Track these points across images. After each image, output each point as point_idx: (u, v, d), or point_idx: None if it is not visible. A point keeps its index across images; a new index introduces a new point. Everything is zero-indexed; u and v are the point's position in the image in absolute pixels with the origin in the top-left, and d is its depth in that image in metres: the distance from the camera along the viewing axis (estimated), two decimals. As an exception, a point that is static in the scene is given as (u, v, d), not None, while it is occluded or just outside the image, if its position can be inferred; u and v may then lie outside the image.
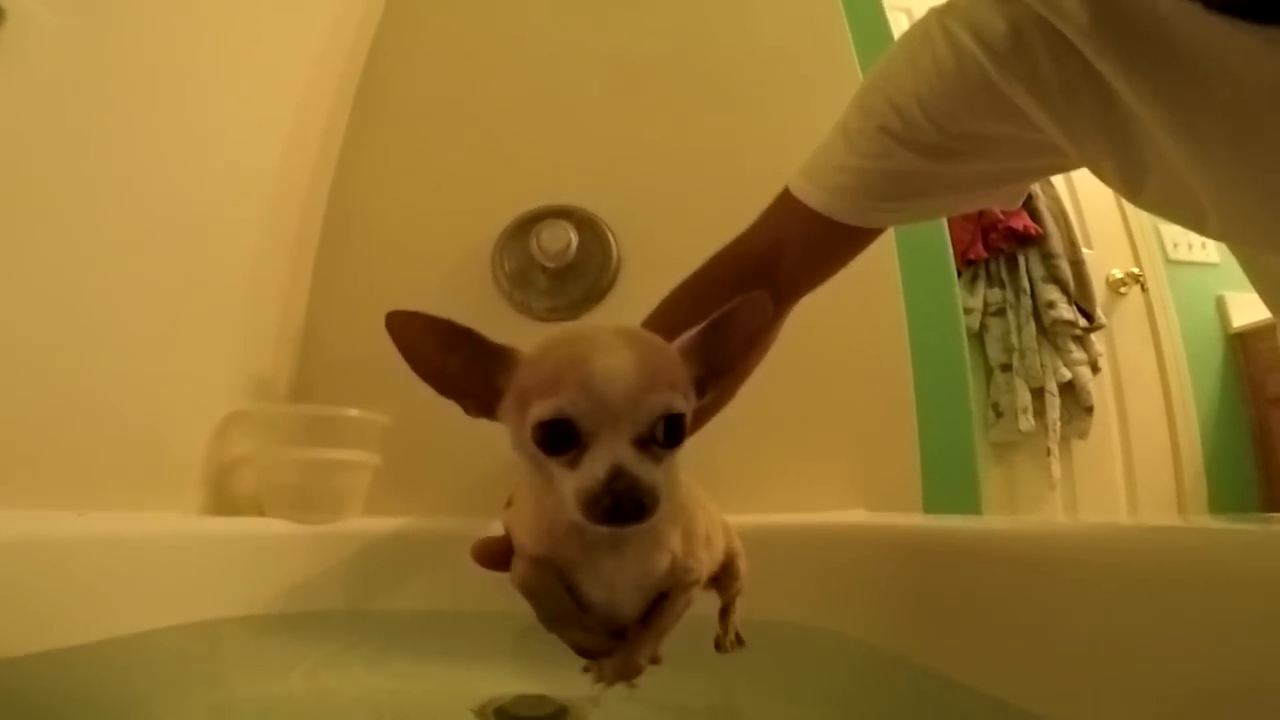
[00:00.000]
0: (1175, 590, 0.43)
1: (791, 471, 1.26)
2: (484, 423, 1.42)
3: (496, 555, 0.47)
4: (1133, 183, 0.53)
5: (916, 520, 1.06)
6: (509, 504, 0.54)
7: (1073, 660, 0.50)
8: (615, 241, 1.41)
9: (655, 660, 0.47)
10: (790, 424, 1.26)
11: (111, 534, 0.80)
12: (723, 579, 0.57)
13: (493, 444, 1.38)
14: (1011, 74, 0.53)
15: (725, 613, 0.60)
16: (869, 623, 0.80)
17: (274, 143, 1.29)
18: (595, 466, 0.37)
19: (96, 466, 0.89)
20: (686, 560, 0.46)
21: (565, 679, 0.48)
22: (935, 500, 1.27)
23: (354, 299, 1.42)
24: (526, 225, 1.41)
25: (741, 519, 1.04)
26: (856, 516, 1.16)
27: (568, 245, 1.37)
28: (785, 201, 0.70)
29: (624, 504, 0.36)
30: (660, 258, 1.37)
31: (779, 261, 0.70)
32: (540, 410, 0.37)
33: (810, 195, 0.67)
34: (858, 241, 0.71)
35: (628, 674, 0.44)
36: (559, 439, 0.37)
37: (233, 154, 1.17)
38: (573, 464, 0.37)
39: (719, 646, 0.60)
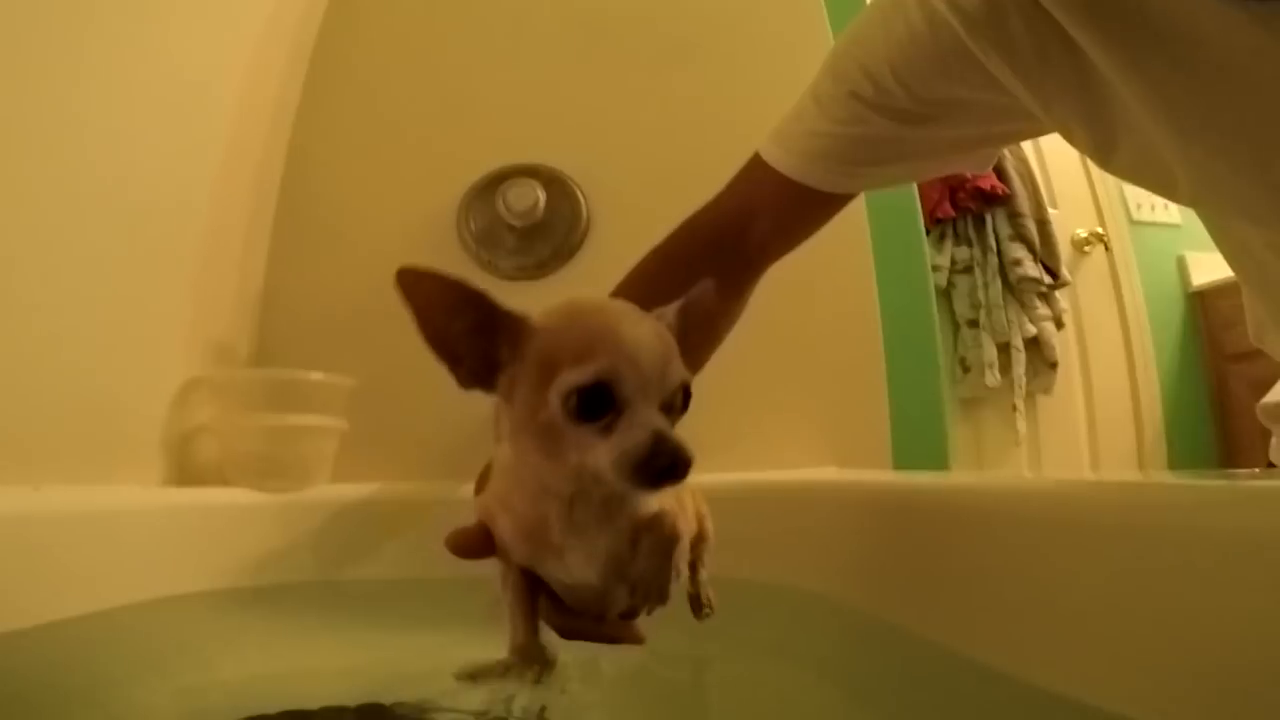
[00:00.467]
0: (1139, 545, 0.43)
1: (762, 429, 1.26)
2: (452, 386, 1.39)
3: (472, 546, 0.46)
4: (1104, 149, 0.53)
5: (886, 477, 1.07)
6: (479, 490, 0.53)
7: (1040, 616, 0.50)
8: (584, 200, 1.39)
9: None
10: (761, 382, 1.26)
11: (68, 508, 0.77)
12: (691, 541, 0.57)
13: (462, 406, 1.36)
14: (984, 39, 0.52)
15: (694, 569, 0.60)
16: (839, 581, 0.80)
17: (227, 101, 1.24)
18: (636, 431, 0.37)
19: (49, 438, 0.85)
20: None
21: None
22: (904, 456, 1.28)
23: (315, 260, 1.38)
24: (493, 184, 1.38)
25: (713, 478, 1.05)
26: (827, 474, 1.16)
27: (535, 204, 1.34)
28: (756, 167, 0.70)
29: (674, 465, 0.37)
30: (630, 216, 1.36)
31: (750, 227, 0.70)
32: (576, 376, 0.37)
33: (781, 161, 0.67)
34: (829, 207, 0.71)
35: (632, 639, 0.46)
36: (595, 405, 0.37)
37: (184, 113, 1.12)
38: (606, 431, 0.38)
39: (696, 609, 0.59)
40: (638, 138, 1.42)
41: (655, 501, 0.45)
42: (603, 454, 0.37)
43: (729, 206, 0.72)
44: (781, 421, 1.28)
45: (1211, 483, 0.51)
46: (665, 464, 0.37)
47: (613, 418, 0.38)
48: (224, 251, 1.27)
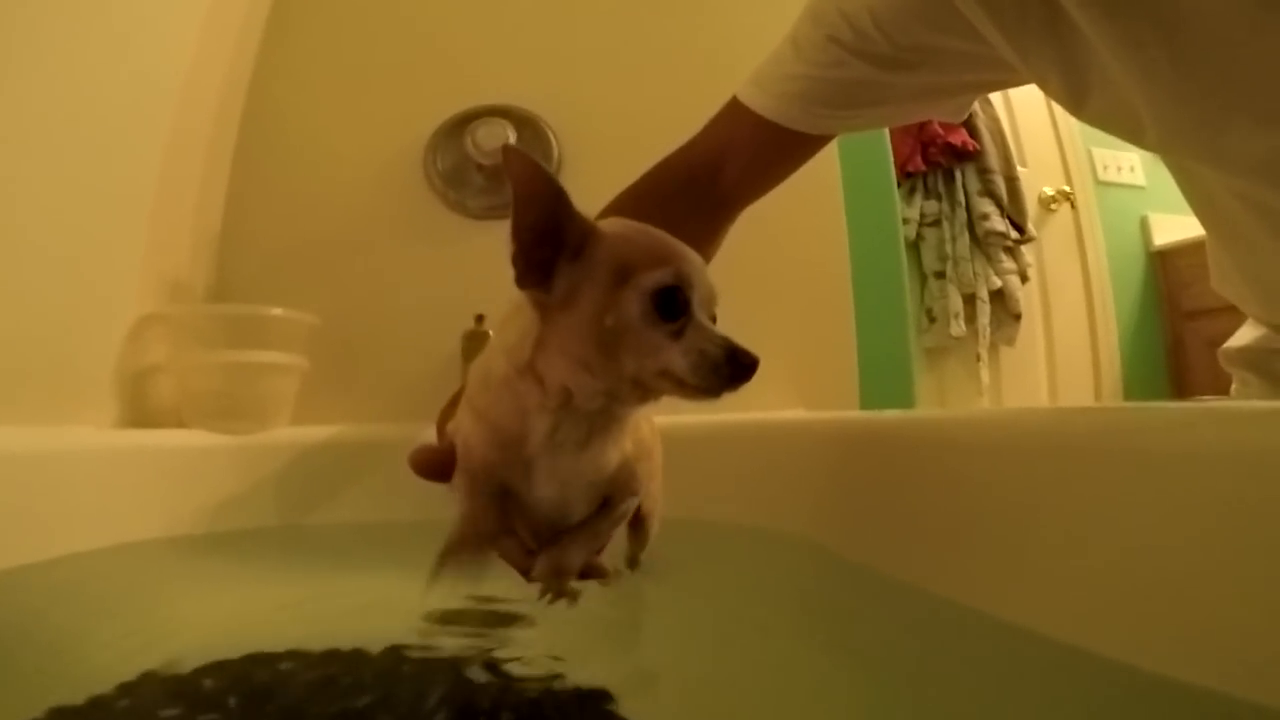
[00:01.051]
0: (1102, 467, 0.44)
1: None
2: (416, 321, 1.38)
3: (436, 465, 0.46)
4: (1077, 98, 0.54)
5: (853, 415, 1.08)
6: (448, 413, 0.52)
7: (1005, 548, 0.51)
8: (556, 140, 1.36)
9: (601, 574, 0.47)
10: (733, 326, 1.25)
11: (17, 450, 0.74)
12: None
13: (426, 346, 1.35)
14: None
15: (636, 524, 0.59)
16: (808, 519, 0.81)
17: (186, 35, 1.19)
18: (709, 334, 0.40)
19: (-5, 377, 0.82)
20: (634, 465, 0.47)
21: (509, 585, 0.47)
22: (871, 401, 1.30)
23: (276, 196, 1.35)
24: (461, 124, 1.35)
25: (682, 419, 1.05)
26: (796, 414, 1.17)
27: (506, 143, 1.30)
28: (733, 109, 0.70)
29: (743, 368, 0.39)
30: (602, 156, 1.33)
31: (724, 168, 0.71)
32: (658, 276, 0.39)
33: (759, 102, 0.67)
34: (804, 149, 0.71)
35: (560, 572, 0.45)
36: (673, 306, 0.39)
37: (140, 46, 1.06)
38: (678, 334, 0.40)
39: (632, 564, 0.60)
40: (610, 79, 1.39)
41: (623, 437, 0.46)
42: (676, 355, 0.39)
43: (704, 147, 0.72)
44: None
45: (1170, 405, 0.52)
46: (739, 365, 0.39)
47: (684, 323, 0.40)
48: (181, 186, 1.22)
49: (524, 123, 1.35)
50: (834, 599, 0.65)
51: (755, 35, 1.31)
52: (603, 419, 0.44)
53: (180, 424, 1.04)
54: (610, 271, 0.40)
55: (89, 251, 0.98)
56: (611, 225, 0.43)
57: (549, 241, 0.40)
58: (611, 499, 0.47)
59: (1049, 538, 0.47)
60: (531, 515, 0.45)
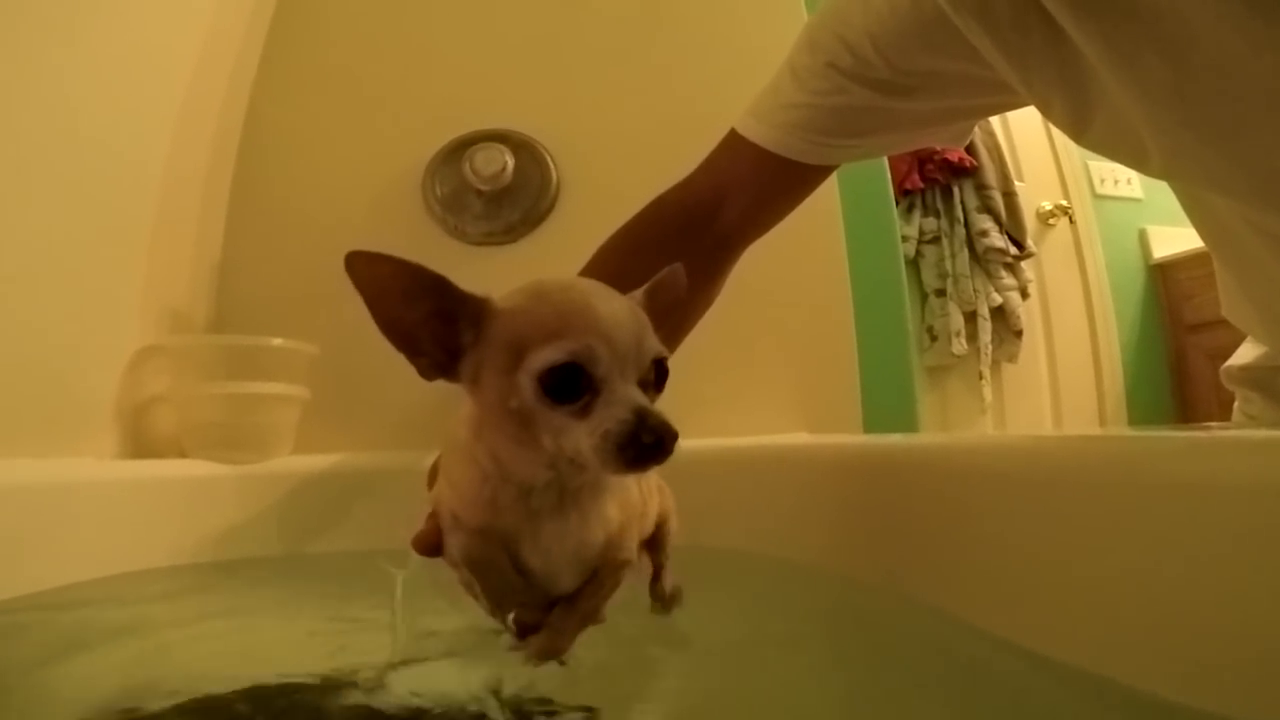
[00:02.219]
0: (1106, 496, 0.44)
1: (735, 396, 1.27)
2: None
3: (435, 543, 0.46)
4: (1080, 122, 0.53)
5: (857, 439, 1.08)
6: (431, 481, 0.52)
7: (1013, 572, 0.50)
8: (554, 165, 1.37)
9: (598, 621, 0.46)
10: (734, 349, 1.26)
11: (20, 483, 0.74)
12: (655, 541, 0.57)
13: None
14: (965, 9, 0.52)
15: (656, 577, 0.59)
16: (814, 546, 0.80)
17: (183, 66, 1.20)
18: (616, 410, 0.36)
19: (-3, 410, 0.82)
20: (620, 537, 0.45)
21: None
22: (875, 422, 1.30)
23: (275, 225, 1.35)
24: (459, 149, 1.35)
25: (685, 444, 1.04)
26: (799, 439, 1.17)
27: (503, 168, 1.32)
28: (731, 142, 0.69)
29: (659, 443, 0.35)
30: (601, 181, 1.35)
31: (723, 206, 0.69)
32: (548, 355, 0.36)
33: (759, 133, 0.66)
34: (807, 181, 0.70)
35: (553, 653, 0.43)
36: (570, 386, 0.36)
37: (137, 78, 1.07)
38: (583, 412, 0.36)
39: (657, 604, 0.59)
40: (608, 103, 1.40)
41: (607, 506, 0.44)
42: (582, 436, 0.36)
43: (702, 184, 0.71)
44: (754, 388, 1.29)
45: (1175, 434, 0.52)
46: (650, 442, 0.35)
47: (589, 398, 0.36)
48: (179, 217, 1.22)
49: (521, 147, 1.36)
50: (843, 624, 0.64)
51: (753, 59, 1.32)
52: (573, 487, 0.42)
53: (181, 454, 1.04)
54: (504, 352, 0.37)
55: (88, 283, 0.99)
56: (512, 296, 0.40)
57: (441, 329, 0.38)
58: (600, 570, 0.45)
59: (1060, 563, 0.47)
60: (521, 583, 0.44)
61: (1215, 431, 0.54)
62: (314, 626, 0.63)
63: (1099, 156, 0.63)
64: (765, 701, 0.47)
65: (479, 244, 1.35)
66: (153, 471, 0.96)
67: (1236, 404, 0.76)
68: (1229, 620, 0.36)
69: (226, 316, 1.29)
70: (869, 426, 1.29)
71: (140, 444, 1.05)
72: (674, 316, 0.48)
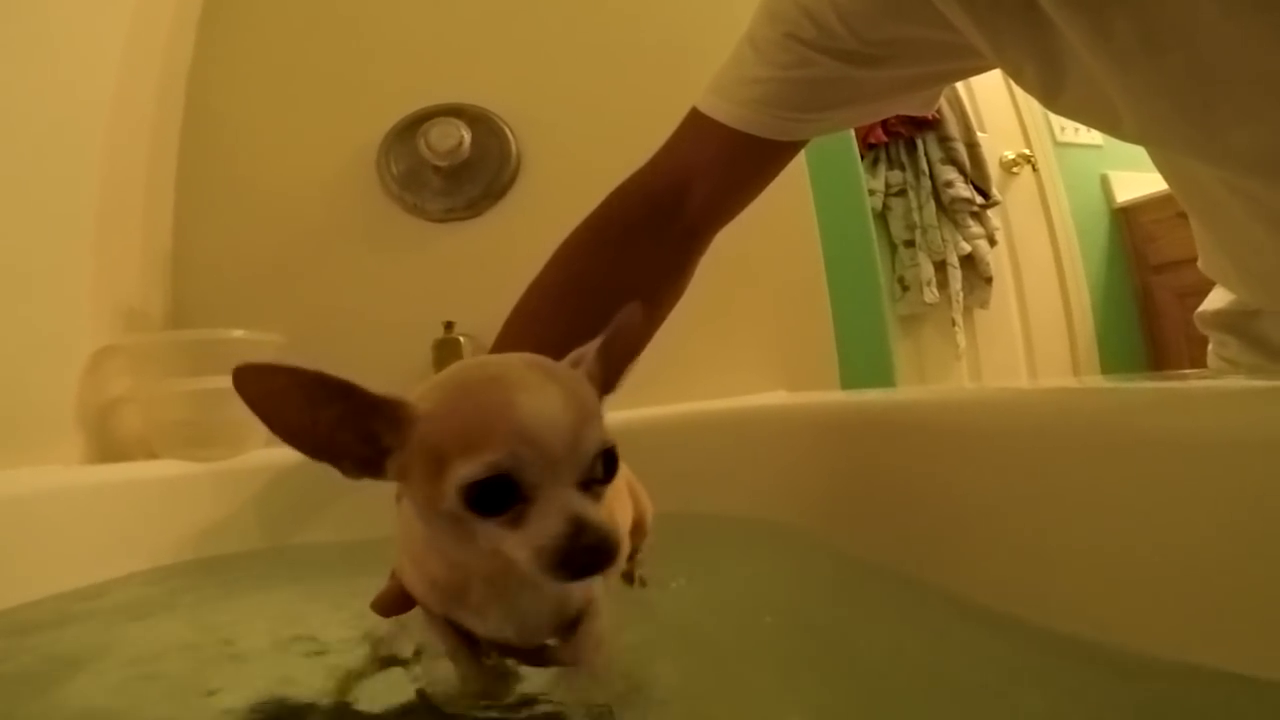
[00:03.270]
0: (1083, 450, 0.44)
1: (711, 357, 1.28)
2: (384, 331, 1.36)
3: (397, 605, 0.45)
4: (1052, 89, 0.52)
5: (835, 397, 1.09)
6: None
7: (991, 534, 0.51)
8: (514, 137, 1.36)
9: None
10: (708, 310, 1.26)
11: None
12: (631, 534, 0.56)
13: (397, 352, 1.33)
14: None
15: (631, 557, 0.60)
16: (794, 508, 0.82)
17: (112, 53, 1.16)
18: (551, 522, 0.33)
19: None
20: (591, 589, 0.44)
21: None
22: (851, 374, 1.33)
23: (226, 213, 1.33)
24: (413, 125, 1.34)
25: (664, 410, 1.05)
26: (777, 398, 1.18)
27: (460, 143, 1.31)
28: (695, 122, 0.66)
29: (594, 557, 0.33)
30: (563, 150, 1.35)
31: (689, 191, 0.66)
32: (470, 470, 0.33)
33: (723, 111, 0.63)
34: (776, 159, 0.67)
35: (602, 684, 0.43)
36: (497, 498, 0.33)
37: (65, 68, 1.04)
38: (515, 522, 0.34)
39: (629, 580, 0.61)
40: (564, 70, 1.39)
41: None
42: (516, 547, 0.34)
43: (666, 168, 0.68)
44: (730, 348, 1.31)
45: (1153, 384, 0.52)
46: (587, 556, 0.33)
47: (521, 506, 0.34)
48: (124, 209, 1.20)
49: (478, 120, 1.35)
50: (827, 588, 0.65)
51: (710, 21, 1.31)
52: None
53: (152, 455, 1.03)
54: (426, 460, 0.35)
55: (35, 286, 0.97)
56: (432, 394, 0.36)
57: (358, 431, 0.35)
58: (578, 621, 0.43)
59: (1042, 524, 0.47)
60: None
61: (1199, 380, 0.54)
62: (316, 615, 0.63)
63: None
64: (742, 672, 0.48)
65: (441, 220, 1.34)
66: (124, 474, 0.94)
67: (1210, 347, 0.76)
68: (1236, 575, 0.36)
69: (184, 310, 1.28)
70: (845, 380, 1.32)
71: (108, 447, 1.04)
72: (634, 351, 0.45)
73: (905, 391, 1.31)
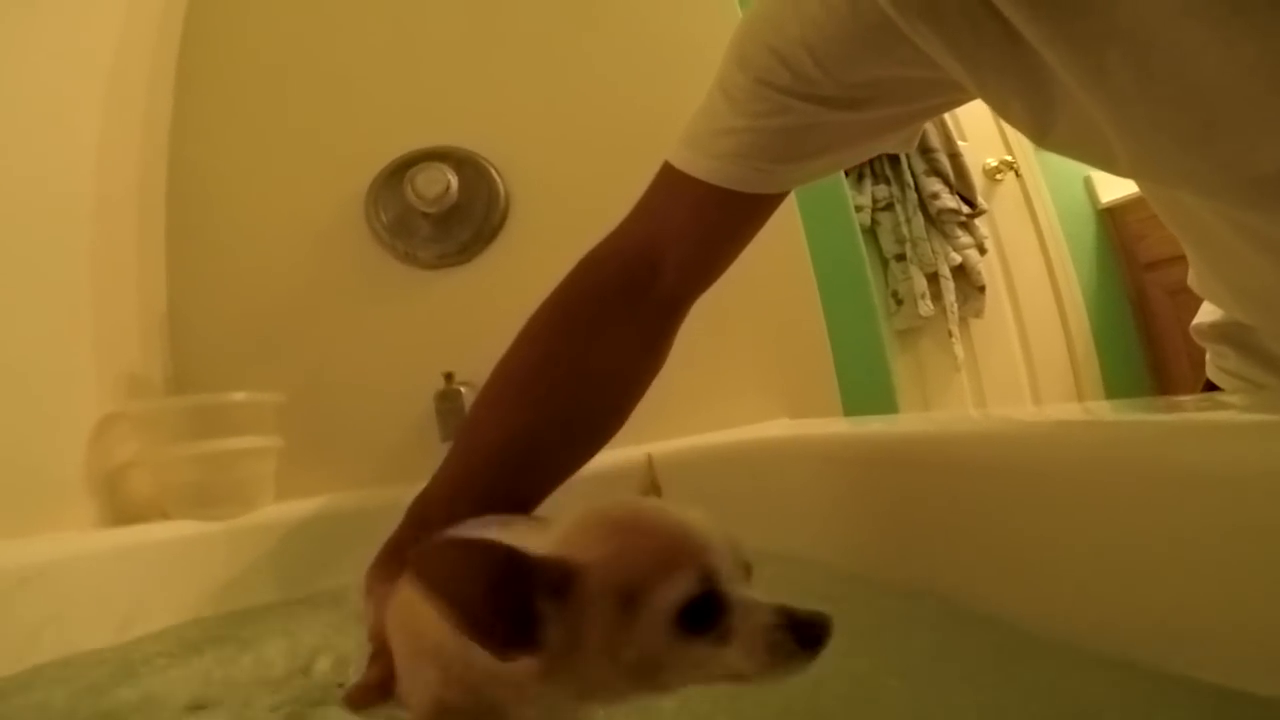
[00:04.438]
0: (1092, 484, 0.46)
1: (712, 388, 1.30)
2: (384, 384, 1.38)
3: (375, 696, 0.46)
4: (1041, 125, 0.50)
5: (840, 428, 1.10)
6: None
7: (1004, 557, 0.54)
8: (500, 178, 1.39)
9: None
10: (706, 342, 1.29)
11: (5, 565, 0.75)
12: None
13: (398, 403, 1.35)
14: (911, 11, 0.48)
15: None
16: (810, 539, 0.83)
17: (89, 113, 1.18)
18: (760, 617, 0.33)
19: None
20: None
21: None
22: (851, 393, 1.35)
23: (218, 271, 1.35)
24: (399, 171, 1.36)
25: (672, 444, 1.07)
26: (782, 427, 1.21)
27: (447, 188, 1.33)
28: (668, 178, 0.63)
29: (817, 629, 0.33)
30: (551, 189, 1.38)
31: (664, 256, 0.63)
32: (678, 591, 0.33)
33: (698, 165, 0.60)
34: (756, 213, 0.64)
35: None
36: (707, 614, 0.33)
37: (42, 135, 1.07)
38: (724, 638, 0.33)
39: None
40: (547, 108, 1.42)
41: None
42: (736, 659, 0.33)
43: (637, 233, 0.64)
44: (729, 377, 1.33)
45: (1158, 417, 0.54)
46: (811, 630, 0.33)
47: (727, 621, 0.33)
48: (118, 275, 1.23)
49: (464, 163, 1.37)
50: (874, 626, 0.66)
51: (688, 56, 1.34)
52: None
53: (164, 516, 1.06)
54: (614, 605, 0.33)
55: (37, 357, 1.00)
56: (586, 541, 0.36)
57: (514, 599, 0.34)
58: None
59: (1061, 545, 0.49)
60: None
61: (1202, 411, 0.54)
62: (328, 677, 0.65)
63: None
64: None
65: (433, 267, 1.37)
66: (139, 537, 0.97)
67: (1209, 358, 0.75)
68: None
69: (184, 372, 1.30)
70: (846, 399, 1.34)
71: (120, 510, 1.07)
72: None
73: (911, 421, 1.32)
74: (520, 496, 0.59)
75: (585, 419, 0.63)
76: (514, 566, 0.34)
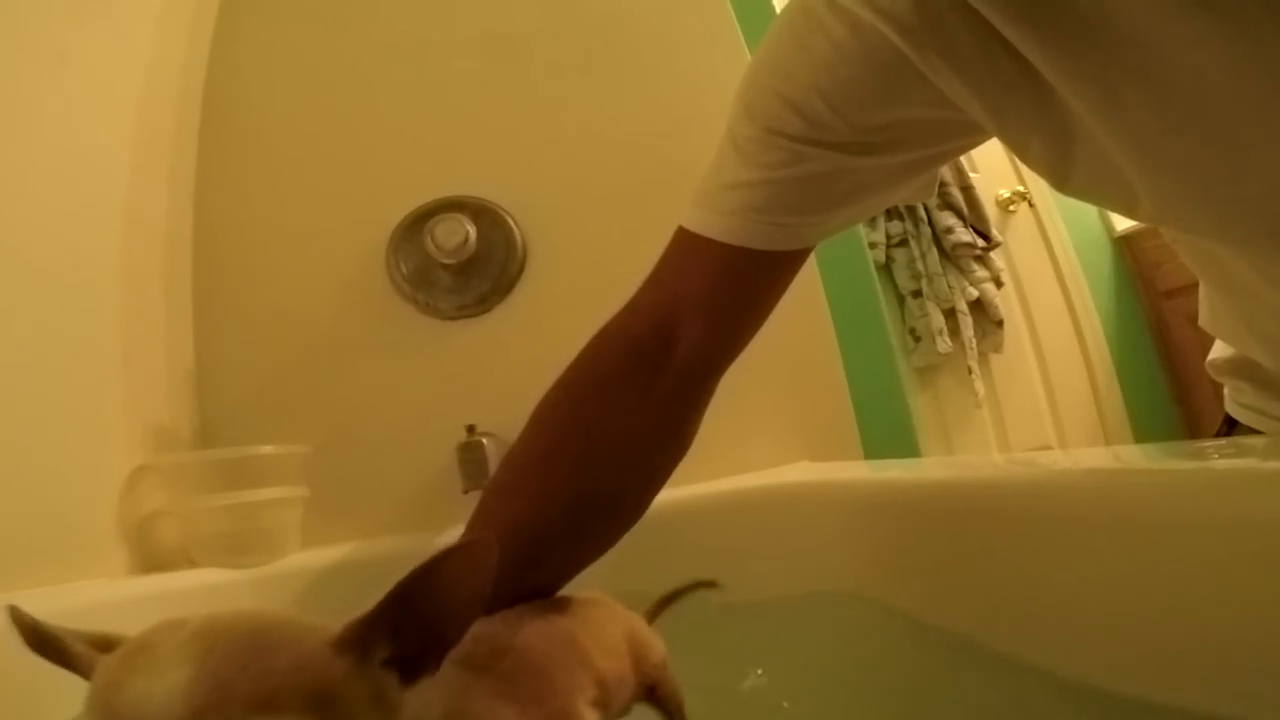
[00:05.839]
0: (1118, 533, 0.48)
1: (731, 433, 1.29)
2: (407, 436, 1.43)
3: None
4: (1061, 167, 0.48)
5: (862, 473, 1.11)
6: None
7: (1040, 603, 0.55)
8: (518, 228, 1.42)
9: None
10: (722, 386, 1.31)
11: (43, 611, 0.78)
12: (657, 692, 0.54)
13: (421, 452, 1.38)
14: (926, 47, 0.46)
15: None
16: (837, 580, 0.85)
17: (117, 169, 1.23)
18: None
19: (2, 548, 0.86)
20: None
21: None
22: (871, 433, 1.35)
23: (244, 326, 1.39)
24: (418, 223, 1.39)
25: (690, 490, 1.09)
26: (802, 471, 1.21)
27: (465, 239, 1.36)
28: (681, 242, 0.59)
29: None
30: (568, 237, 1.42)
31: (681, 326, 0.59)
32: None
33: (710, 224, 0.56)
34: (778, 273, 0.60)
35: None
36: None
37: (70, 191, 1.11)
38: None
39: None
40: (562, 157, 1.44)
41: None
42: None
43: (647, 305, 0.60)
44: (748, 421, 1.33)
45: (1185, 465, 0.54)
46: None
47: None
48: (146, 329, 1.27)
49: (481, 213, 1.40)
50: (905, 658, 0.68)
51: (699, 99, 1.38)
52: None
53: (192, 564, 1.09)
54: None
55: (69, 410, 1.03)
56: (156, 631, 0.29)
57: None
58: None
59: (1086, 590, 0.50)
60: None
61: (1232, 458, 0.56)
62: None
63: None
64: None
65: (453, 318, 1.39)
66: (169, 585, 1.00)
67: (1227, 392, 0.74)
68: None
69: (211, 425, 1.34)
70: (866, 440, 1.34)
71: (149, 559, 1.10)
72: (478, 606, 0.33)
73: (936, 467, 1.32)
74: (530, 586, 0.55)
75: (596, 506, 0.59)
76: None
